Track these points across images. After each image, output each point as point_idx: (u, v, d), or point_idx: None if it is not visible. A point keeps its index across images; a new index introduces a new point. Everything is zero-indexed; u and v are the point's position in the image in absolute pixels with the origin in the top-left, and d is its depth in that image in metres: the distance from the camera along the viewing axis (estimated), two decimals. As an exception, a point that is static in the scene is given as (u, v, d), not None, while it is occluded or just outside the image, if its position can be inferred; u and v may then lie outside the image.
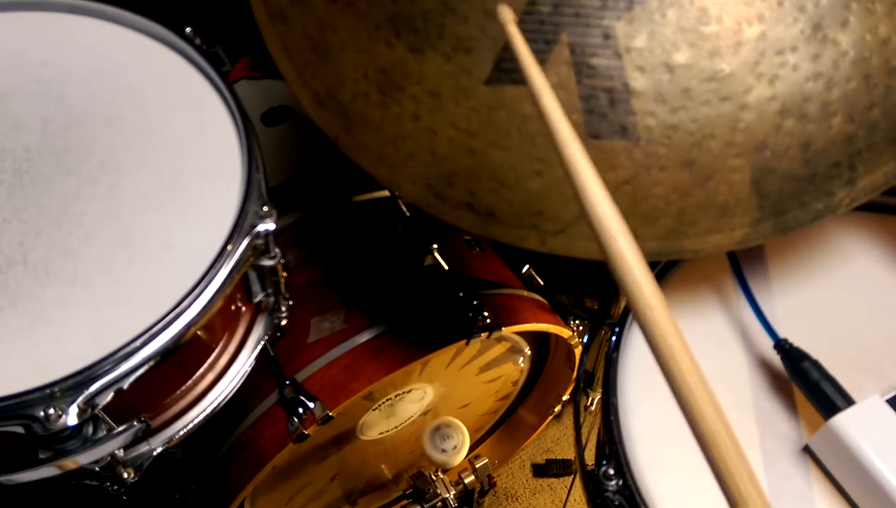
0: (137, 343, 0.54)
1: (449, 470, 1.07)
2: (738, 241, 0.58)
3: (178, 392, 0.67)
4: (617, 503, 0.58)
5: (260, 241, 0.62)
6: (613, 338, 0.66)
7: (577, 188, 0.40)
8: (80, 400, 0.52)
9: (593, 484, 0.59)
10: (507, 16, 0.49)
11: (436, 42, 0.59)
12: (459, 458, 0.97)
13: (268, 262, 0.64)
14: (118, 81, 0.69)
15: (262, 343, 0.72)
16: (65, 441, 0.56)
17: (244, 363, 0.70)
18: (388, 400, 0.93)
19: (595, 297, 1.25)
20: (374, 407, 0.92)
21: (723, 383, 0.64)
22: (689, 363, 0.37)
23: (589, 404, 0.99)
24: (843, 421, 0.56)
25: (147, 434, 0.64)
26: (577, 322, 1.04)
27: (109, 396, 0.54)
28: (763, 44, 0.56)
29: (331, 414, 0.79)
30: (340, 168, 0.99)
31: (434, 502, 1.04)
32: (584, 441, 0.68)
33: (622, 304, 0.79)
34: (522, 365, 1.11)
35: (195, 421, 0.67)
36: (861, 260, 0.71)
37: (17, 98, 0.67)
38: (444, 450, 0.96)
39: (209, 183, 0.64)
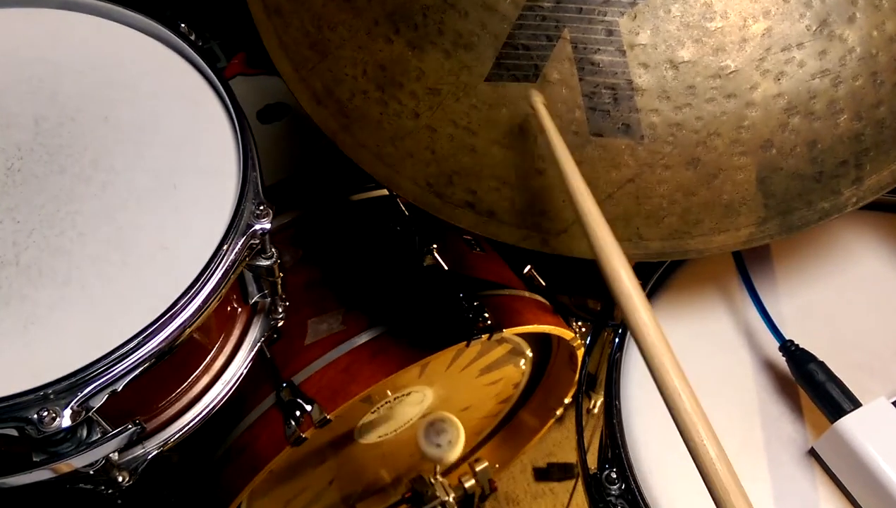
0: (132, 344, 0.53)
1: (448, 472, 1.07)
2: (744, 241, 0.58)
3: (174, 394, 0.66)
4: (619, 507, 0.57)
5: (256, 241, 0.61)
6: (616, 340, 0.66)
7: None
8: (74, 402, 0.52)
9: (596, 488, 0.58)
10: (537, 98, 0.55)
11: (436, 38, 0.59)
12: (454, 453, 0.96)
13: (264, 262, 0.64)
14: (112, 78, 0.68)
15: (259, 344, 0.71)
16: (59, 444, 0.55)
17: (240, 365, 0.70)
18: (386, 402, 0.92)
19: (598, 298, 1.24)
20: (372, 410, 0.92)
21: (728, 385, 0.64)
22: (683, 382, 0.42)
23: (591, 407, 0.98)
24: (848, 423, 0.55)
25: (142, 437, 0.64)
26: (579, 323, 1.04)
27: (104, 398, 0.53)
28: (769, 40, 0.55)
29: (328, 416, 0.78)
30: (338, 166, 0.98)
31: (433, 506, 1.03)
32: (586, 444, 0.68)
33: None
34: (524, 367, 1.10)
35: (191, 424, 0.67)
36: (868, 261, 0.71)
37: (10, 95, 0.66)
38: (438, 445, 0.96)
39: (204, 181, 0.63)
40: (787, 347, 0.62)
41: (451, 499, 1.03)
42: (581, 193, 0.49)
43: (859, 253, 0.72)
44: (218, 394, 0.68)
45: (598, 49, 0.56)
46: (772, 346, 0.64)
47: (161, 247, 0.60)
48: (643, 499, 0.57)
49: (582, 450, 0.67)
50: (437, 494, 1.03)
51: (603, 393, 0.64)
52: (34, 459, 0.55)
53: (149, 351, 0.54)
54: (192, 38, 0.70)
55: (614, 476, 0.58)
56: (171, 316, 0.55)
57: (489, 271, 0.99)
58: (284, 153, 1.04)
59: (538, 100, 0.55)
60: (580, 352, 1.01)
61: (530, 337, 1.03)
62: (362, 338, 0.84)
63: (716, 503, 0.39)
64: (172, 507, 0.85)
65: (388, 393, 0.91)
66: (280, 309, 0.72)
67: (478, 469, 1.09)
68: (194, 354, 0.66)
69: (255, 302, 0.70)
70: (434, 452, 0.96)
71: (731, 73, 0.55)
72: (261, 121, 1.07)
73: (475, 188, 0.60)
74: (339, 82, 0.62)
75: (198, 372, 0.67)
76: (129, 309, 0.56)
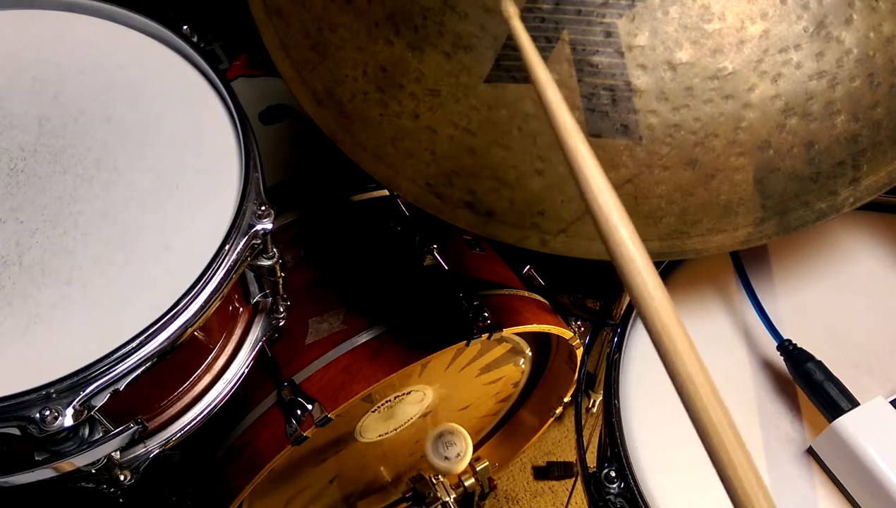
0: (134, 344, 0.54)
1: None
2: (742, 241, 0.58)
3: (176, 393, 0.66)
4: (619, 505, 0.57)
5: (258, 241, 0.61)
6: (615, 339, 0.66)
7: (581, 186, 0.40)
8: (76, 401, 0.52)
9: (595, 487, 0.58)
10: (511, 10, 0.47)
11: (436, 39, 0.59)
12: (462, 465, 0.97)
13: (266, 262, 0.64)
14: (115, 79, 0.68)
15: (260, 344, 0.71)
16: (61, 443, 0.55)
17: (242, 364, 0.70)
18: (387, 401, 0.92)
19: (597, 298, 1.25)
20: (373, 409, 0.92)
21: (726, 384, 0.64)
22: (693, 356, 0.35)
23: (590, 406, 0.99)
24: (846, 422, 0.55)
25: (144, 436, 0.64)
26: (578, 322, 1.04)
27: (106, 397, 0.54)
28: (766, 41, 0.56)
29: (329, 415, 0.78)
30: (339, 167, 0.98)
31: (434, 505, 1.03)
32: (585, 443, 0.68)
33: (624, 305, 0.79)
34: (523, 366, 1.10)
35: (192, 423, 0.67)
36: (865, 260, 0.71)
37: (13, 96, 0.66)
38: (447, 458, 0.96)
39: (206, 182, 0.63)
40: (785, 346, 0.62)
41: (451, 498, 1.03)
42: (566, 129, 0.41)
43: (856, 253, 0.72)
44: (219, 393, 0.69)
45: (597, 50, 0.56)
46: (770, 345, 0.64)
47: (163, 247, 0.60)
48: (642, 498, 0.57)
49: (581, 449, 0.67)
50: (438, 493, 1.03)
51: (602, 391, 0.64)
52: (36, 458, 0.55)
53: (151, 351, 0.54)
54: (195, 39, 0.70)
55: (613, 474, 0.58)
56: (172, 315, 0.55)
57: (489, 271, 0.99)
58: (286, 154, 1.04)
59: (513, 13, 0.47)
60: (579, 351, 1.02)
61: (530, 337, 1.03)
62: (363, 338, 0.84)
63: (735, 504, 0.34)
64: (174, 506, 0.85)
65: (389, 392, 0.91)
66: (281, 309, 0.72)
67: (478, 467, 1.10)
68: (196, 353, 0.67)
69: (257, 302, 0.71)
70: (443, 465, 0.96)
71: (728, 74, 0.56)
72: (262, 123, 1.07)
73: (475, 188, 0.60)
74: (340, 83, 0.62)
75: (199, 371, 0.67)
76: (131, 309, 0.56)
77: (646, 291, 0.36)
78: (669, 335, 0.35)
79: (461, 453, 0.96)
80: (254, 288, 0.69)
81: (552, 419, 1.20)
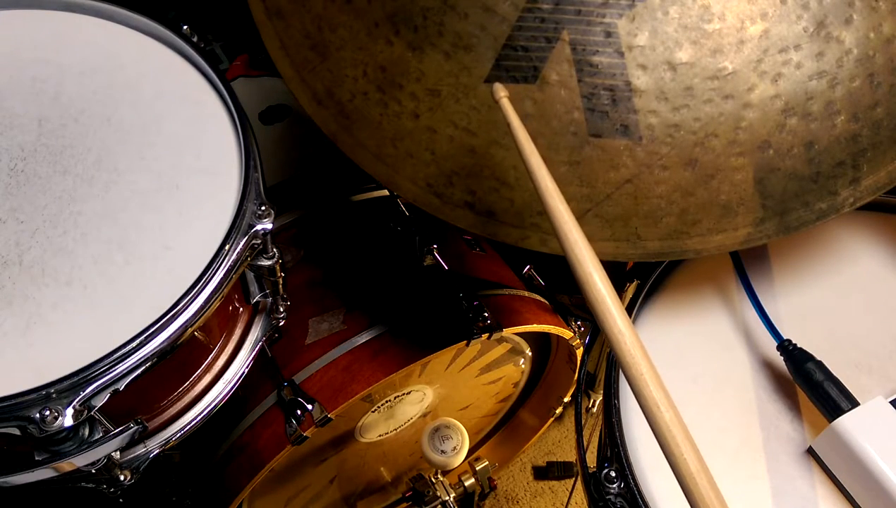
0: (134, 344, 0.54)
1: (449, 472, 1.07)
2: (742, 241, 0.58)
3: (176, 393, 0.66)
4: (619, 505, 0.57)
5: (258, 241, 0.61)
6: (615, 339, 0.66)
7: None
8: (76, 401, 0.52)
9: (595, 487, 0.58)
10: (501, 92, 0.53)
11: (435, 39, 0.59)
12: (459, 460, 0.96)
13: (266, 262, 0.64)
14: (115, 79, 0.68)
15: (260, 344, 0.71)
16: (61, 443, 0.55)
17: (242, 364, 0.70)
18: (387, 401, 0.92)
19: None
20: (373, 409, 0.92)
21: (726, 384, 0.64)
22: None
23: (591, 406, 0.99)
24: (846, 422, 0.55)
25: (144, 436, 0.64)
26: (578, 322, 1.04)
27: (106, 397, 0.54)
28: (766, 41, 0.56)
29: (329, 415, 0.78)
30: (339, 167, 0.98)
31: (434, 504, 1.03)
32: (585, 443, 0.68)
33: (625, 304, 0.78)
34: (523, 366, 1.10)
35: (192, 423, 0.67)
36: (865, 261, 0.71)
37: (13, 96, 0.66)
38: (443, 451, 0.96)
39: (207, 182, 0.63)
40: (785, 346, 0.62)
41: (451, 498, 1.03)
42: (549, 192, 0.47)
43: (856, 253, 0.72)
44: (219, 393, 0.69)
45: (597, 51, 0.56)
46: (770, 346, 0.64)
47: (163, 247, 0.60)
48: (642, 498, 0.57)
49: (581, 449, 0.67)
50: (438, 493, 1.03)
51: (602, 391, 0.64)
52: (36, 458, 0.55)
53: (151, 351, 0.54)
54: (195, 39, 0.70)
55: (613, 474, 0.58)
56: (173, 315, 0.55)
57: (489, 271, 0.99)
58: (286, 154, 1.04)
59: (502, 95, 0.53)
60: (579, 351, 1.02)
61: (530, 337, 1.03)
62: (363, 338, 0.84)
63: None
64: (174, 506, 0.85)
65: (389, 392, 0.91)
66: (281, 309, 0.72)
67: (478, 467, 1.09)
68: (196, 353, 0.67)
69: (257, 302, 0.71)
70: (439, 459, 0.96)
71: (728, 74, 0.56)
72: (262, 123, 1.07)
73: (475, 188, 0.60)
74: (340, 83, 0.62)
75: (199, 371, 0.67)
76: (130, 309, 0.56)
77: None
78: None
79: (457, 447, 0.96)
80: (254, 288, 0.69)
81: (552, 419, 1.20)
